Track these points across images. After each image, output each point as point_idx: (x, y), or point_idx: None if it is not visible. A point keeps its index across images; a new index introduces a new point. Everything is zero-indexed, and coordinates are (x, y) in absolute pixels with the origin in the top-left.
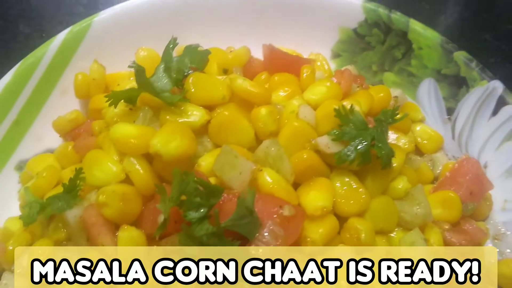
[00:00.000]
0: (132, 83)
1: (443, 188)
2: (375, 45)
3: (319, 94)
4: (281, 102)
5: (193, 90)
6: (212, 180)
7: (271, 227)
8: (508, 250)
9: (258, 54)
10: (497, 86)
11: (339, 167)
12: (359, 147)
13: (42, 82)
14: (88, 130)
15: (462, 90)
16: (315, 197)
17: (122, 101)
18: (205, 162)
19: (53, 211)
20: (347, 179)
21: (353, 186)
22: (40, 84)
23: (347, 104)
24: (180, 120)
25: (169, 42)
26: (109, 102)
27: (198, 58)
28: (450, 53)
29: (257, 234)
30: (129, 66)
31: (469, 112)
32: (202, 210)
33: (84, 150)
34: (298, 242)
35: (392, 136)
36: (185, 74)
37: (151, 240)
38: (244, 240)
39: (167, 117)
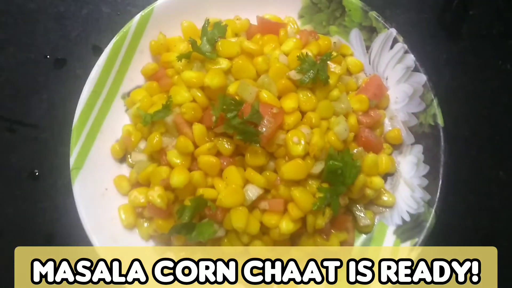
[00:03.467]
0: (183, 44)
1: (360, 92)
2: (324, 9)
3: (289, 46)
4: (269, 52)
5: (221, 49)
6: (237, 98)
7: (267, 118)
8: (396, 125)
9: (252, 19)
10: (393, 31)
11: (301, 86)
12: (311, 75)
13: (129, 46)
14: (163, 74)
15: (374, 34)
16: (288, 102)
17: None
18: (232, 88)
19: (159, 118)
20: (305, 92)
21: (308, 96)
22: (128, 47)
23: (304, 51)
24: (216, 67)
25: (204, 23)
26: (178, 59)
27: (221, 31)
28: (366, 13)
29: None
30: (189, 41)
31: (378, 47)
32: (234, 112)
33: (165, 86)
34: (281, 125)
35: (332, 66)
36: (216, 40)
37: (208, 129)
38: (255, 125)
39: (209, 65)
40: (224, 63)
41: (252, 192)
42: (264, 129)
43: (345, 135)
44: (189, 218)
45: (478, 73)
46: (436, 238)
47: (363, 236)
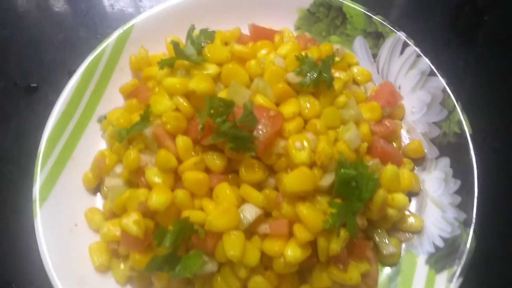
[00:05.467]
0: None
1: (371, 101)
2: (322, 18)
3: (286, 50)
4: (263, 57)
5: (208, 55)
6: None
7: (263, 121)
8: (416, 138)
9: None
10: (401, 35)
11: (301, 91)
12: (312, 77)
13: (107, 65)
14: (144, 90)
15: (381, 40)
16: (288, 107)
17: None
18: (221, 96)
19: (136, 131)
20: (307, 98)
21: (311, 101)
22: (106, 66)
23: (303, 53)
24: (203, 72)
25: (189, 28)
26: (159, 66)
27: (208, 36)
28: (370, 18)
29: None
30: (170, 42)
31: (386, 54)
32: (224, 116)
33: (145, 99)
34: (280, 132)
35: (336, 74)
36: (202, 46)
37: (195, 143)
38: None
39: (195, 71)
40: (211, 69)
41: (249, 212)
42: (260, 132)
43: (357, 142)
44: (171, 244)
45: (502, 79)
46: (477, 267)
47: (389, 269)
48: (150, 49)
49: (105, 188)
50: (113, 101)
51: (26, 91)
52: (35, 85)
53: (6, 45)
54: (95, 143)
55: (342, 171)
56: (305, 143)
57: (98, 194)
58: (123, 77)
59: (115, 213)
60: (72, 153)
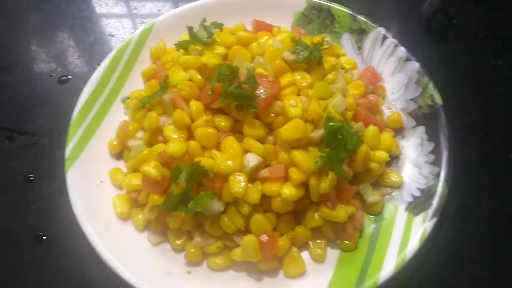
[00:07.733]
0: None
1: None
2: (315, 19)
3: (283, 36)
4: (263, 42)
5: (218, 40)
6: None
7: (263, 85)
8: (396, 111)
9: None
10: (381, 29)
11: (296, 67)
12: (305, 55)
13: (131, 56)
14: (162, 72)
15: (364, 35)
16: (284, 79)
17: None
18: None
19: (156, 97)
20: (300, 73)
21: (304, 75)
22: (129, 57)
23: (297, 37)
24: (213, 52)
25: (201, 20)
26: (176, 48)
27: (218, 26)
28: (355, 17)
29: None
30: (186, 26)
31: (369, 46)
32: (230, 80)
33: (162, 77)
34: (277, 96)
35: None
36: (212, 33)
37: (205, 108)
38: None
39: (206, 52)
40: (220, 49)
41: (252, 158)
42: (261, 90)
43: (343, 106)
44: (186, 180)
45: (472, 69)
46: (454, 219)
47: (373, 219)
48: (168, 45)
49: (128, 147)
50: (135, 86)
51: (59, 81)
52: (66, 77)
53: (41, 44)
54: (119, 119)
55: (330, 124)
56: (299, 104)
57: (121, 160)
58: (144, 66)
59: (136, 170)
60: (99, 125)
